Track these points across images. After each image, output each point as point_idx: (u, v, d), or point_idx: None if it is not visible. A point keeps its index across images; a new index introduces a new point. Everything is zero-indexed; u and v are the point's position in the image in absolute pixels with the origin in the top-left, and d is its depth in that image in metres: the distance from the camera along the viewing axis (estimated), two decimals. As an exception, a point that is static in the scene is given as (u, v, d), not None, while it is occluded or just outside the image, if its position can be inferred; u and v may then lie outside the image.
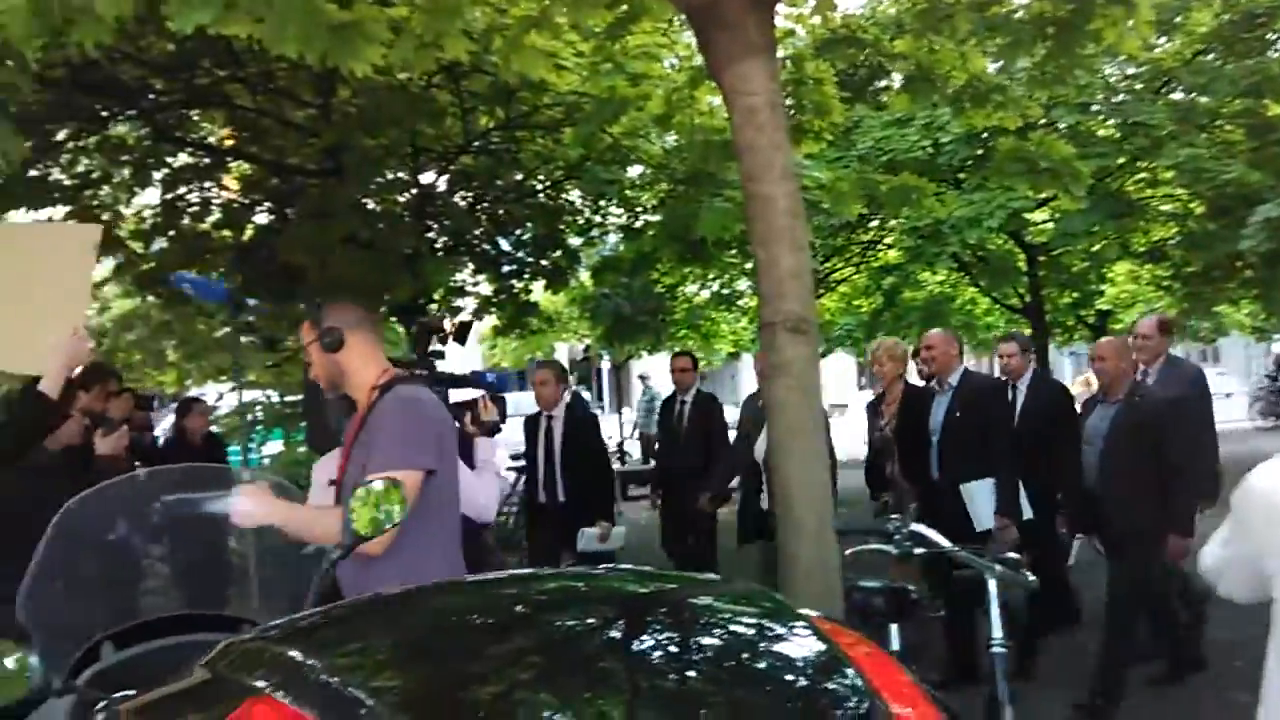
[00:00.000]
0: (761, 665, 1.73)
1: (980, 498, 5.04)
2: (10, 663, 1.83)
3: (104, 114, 7.44)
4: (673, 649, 1.70)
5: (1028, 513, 5.11)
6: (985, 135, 9.44)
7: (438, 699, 1.47)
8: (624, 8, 5.49)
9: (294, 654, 1.59)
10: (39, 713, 2.12)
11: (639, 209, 10.14)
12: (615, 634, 1.74)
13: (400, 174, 8.63)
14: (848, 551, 3.75)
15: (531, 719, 1.43)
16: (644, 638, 1.74)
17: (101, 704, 1.87)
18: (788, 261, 4.10)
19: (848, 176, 8.01)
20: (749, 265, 10.30)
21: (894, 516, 3.67)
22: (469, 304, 10.49)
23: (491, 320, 10.95)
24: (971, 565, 3.14)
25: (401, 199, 8.97)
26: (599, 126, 6.83)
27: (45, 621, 2.20)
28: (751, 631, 1.84)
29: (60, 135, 7.47)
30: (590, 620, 1.79)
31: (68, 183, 7.82)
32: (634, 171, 9.36)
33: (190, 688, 1.69)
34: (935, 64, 6.46)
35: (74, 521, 2.24)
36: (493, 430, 3.82)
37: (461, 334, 3.78)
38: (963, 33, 5.99)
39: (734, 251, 10.71)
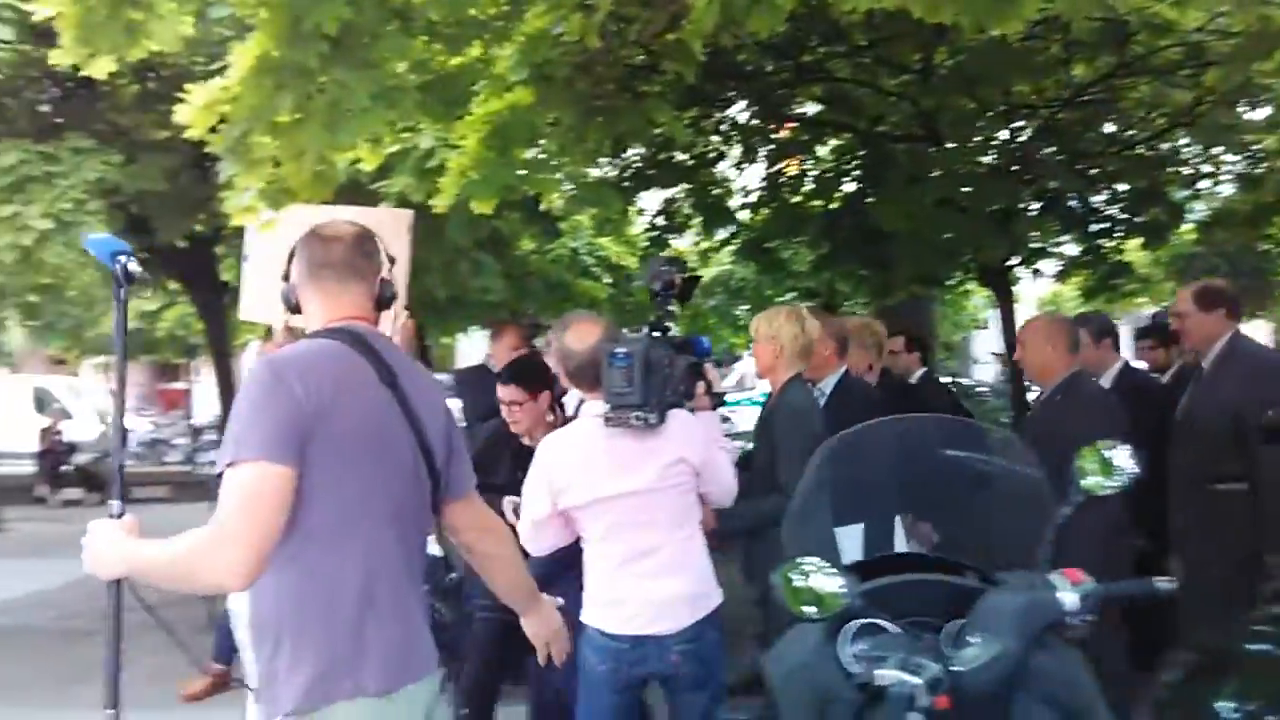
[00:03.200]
0: None
1: None
2: (828, 580, 2.10)
3: (724, 97, 8.21)
4: None
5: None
6: None
7: None
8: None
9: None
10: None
11: (1260, 155, 8.98)
12: None
13: (995, 133, 8.46)
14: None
15: None
16: None
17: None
18: None
19: None
20: None
21: None
22: (1050, 266, 10.11)
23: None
24: None
25: (987, 159, 8.83)
26: (1245, 64, 6.10)
27: (803, 548, 2.46)
28: None
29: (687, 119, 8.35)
30: None
31: (689, 163, 8.75)
32: (1260, 114, 8.30)
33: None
34: None
35: (835, 456, 2.50)
36: (719, 403, 3.39)
37: (686, 291, 3.31)
38: None
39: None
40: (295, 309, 2.23)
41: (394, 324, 3.83)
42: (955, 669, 2.07)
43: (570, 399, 3.80)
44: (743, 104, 8.71)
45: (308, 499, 1.93)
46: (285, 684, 1.93)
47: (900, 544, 4.22)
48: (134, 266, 2.21)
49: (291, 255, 2.23)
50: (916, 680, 2.02)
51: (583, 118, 5.38)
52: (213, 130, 4.38)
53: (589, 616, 2.98)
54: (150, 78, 7.28)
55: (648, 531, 2.92)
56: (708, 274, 16.32)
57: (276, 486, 1.88)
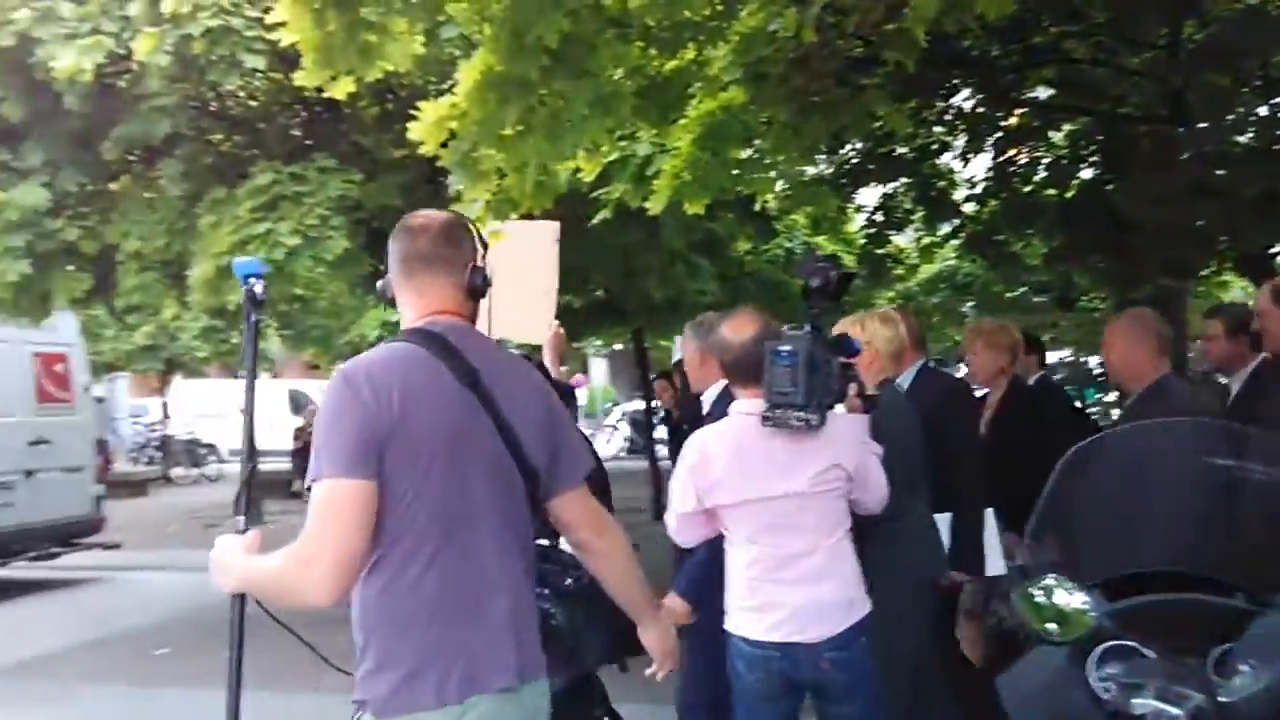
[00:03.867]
0: None
1: None
2: (1072, 597, 1.94)
3: (947, 86, 7.88)
4: None
5: None
6: None
7: None
8: None
9: None
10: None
11: None
12: None
13: (1254, 109, 7.72)
14: None
15: None
16: None
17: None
18: None
19: None
20: None
21: None
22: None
23: None
24: None
25: (1243, 138, 8.07)
26: None
27: (1044, 561, 2.28)
28: None
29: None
30: None
31: (910, 156, 8.48)
32: None
33: None
34: None
35: (1081, 466, 2.31)
36: (871, 406, 3.07)
37: (841, 288, 2.92)
38: None
39: None
40: (392, 303, 2.18)
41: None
42: (1223, 700, 1.87)
43: (707, 396, 3.74)
44: (967, 91, 8.34)
45: (388, 507, 1.89)
46: (372, 688, 1.92)
47: (996, 562, 3.93)
48: (259, 289, 2.27)
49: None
50: (1177, 711, 1.84)
51: (798, 114, 5.29)
52: (443, 145, 4.59)
53: (733, 624, 2.88)
54: (388, 99, 7.72)
55: (798, 536, 2.81)
56: (929, 270, 15.78)
57: (355, 501, 1.85)
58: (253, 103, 7.72)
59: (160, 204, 7.04)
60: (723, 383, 3.54)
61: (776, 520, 2.80)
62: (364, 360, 2.00)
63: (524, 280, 4.25)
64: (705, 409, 3.68)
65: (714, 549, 3.11)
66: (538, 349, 4.26)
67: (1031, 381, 5.04)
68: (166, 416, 21.21)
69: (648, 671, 2.44)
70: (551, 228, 4.58)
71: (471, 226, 2.21)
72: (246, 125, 7.74)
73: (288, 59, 5.96)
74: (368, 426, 1.88)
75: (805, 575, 2.79)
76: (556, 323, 4.18)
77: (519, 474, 2.04)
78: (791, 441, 2.77)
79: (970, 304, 16.84)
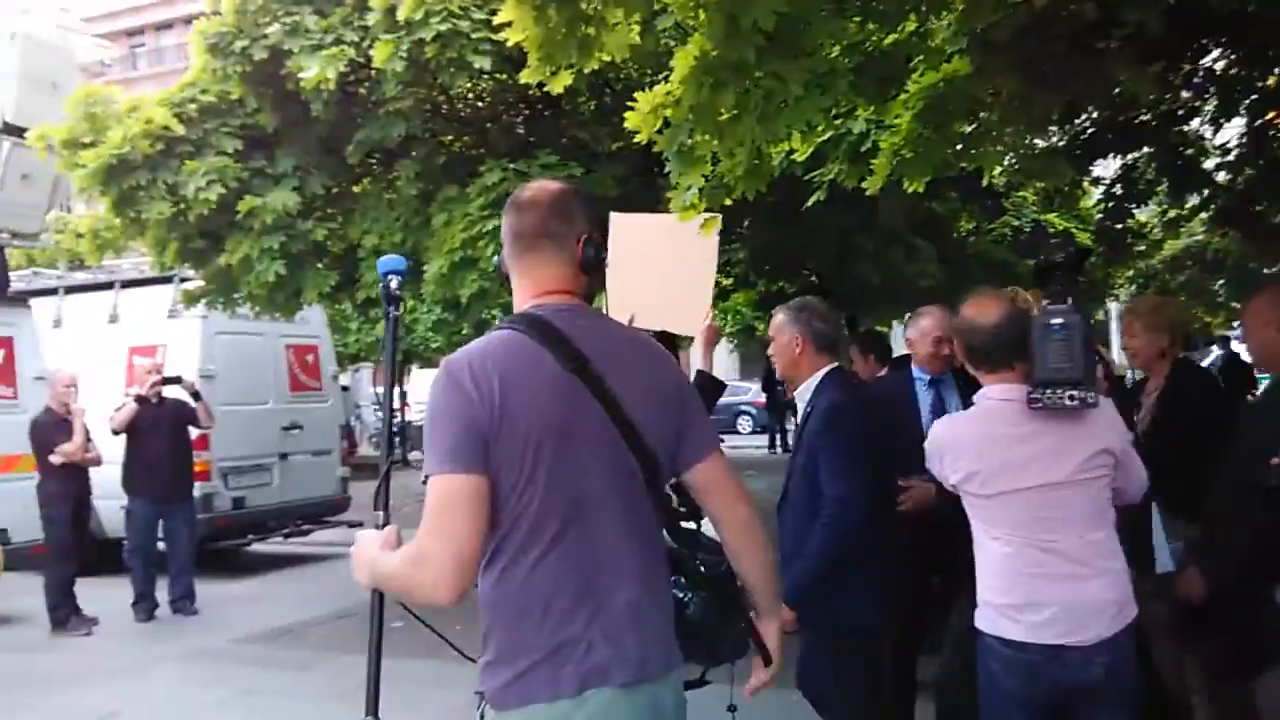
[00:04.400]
0: None
1: None
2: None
3: (1196, 46, 7.26)
4: None
5: None
6: None
7: None
8: None
9: None
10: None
11: None
12: None
13: None
14: None
15: None
16: None
17: None
18: None
19: None
20: None
21: None
22: None
23: None
24: None
25: None
26: None
27: None
28: None
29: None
30: None
31: (1154, 123, 7.86)
32: None
33: None
34: None
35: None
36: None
37: (1079, 265, 2.57)
38: None
39: None
40: (508, 281, 2.10)
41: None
42: None
43: (801, 391, 3.52)
44: (1218, 51, 7.64)
45: (499, 499, 1.84)
46: (490, 680, 1.88)
47: (1166, 559, 3.55)
48: (394, 285, 2.29)
49: None
50: None
51: (1029, 83, 4.99)
52: (658, 133, 4.62)
53: (988, 623, 2.69)
54: (605, 93, 7.89)
55: (1063, 528, 2.61)
56: (1174, 246, 14.65)
57: (466, 496, 1.80)
58: (480, 103, 8.07)
59: (397, 203, 7.47)
60: (820, 374, 3.43)
61: (1039, 512, 2.62)
62: (467, 351, 1.92)
63: (681, 273, 4.27)
64: (803, 402, 3.48)
65: (823, 549, 3.12)
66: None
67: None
68: (405, 404, 22.47)
69: (750, 684, 2.25)
70: (713, 221, 4.60)
71: (587, 198, 2.12)
72: (475, 125, 8.10)
73: (511, 59, 6.18)
74: (471, 419, 1.82)
75: (1073, 571, 2.59)
76: (710, 316, 4.14)
77: (635, 459, 1.94)
78: (1056, 425, 2.61)
79: (1221, 282, 15.51)
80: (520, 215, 2.06)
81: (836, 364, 3.51)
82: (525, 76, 4.49)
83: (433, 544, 1.79)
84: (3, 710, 5.72)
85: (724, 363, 24.11)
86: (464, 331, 8.29)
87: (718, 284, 9.82)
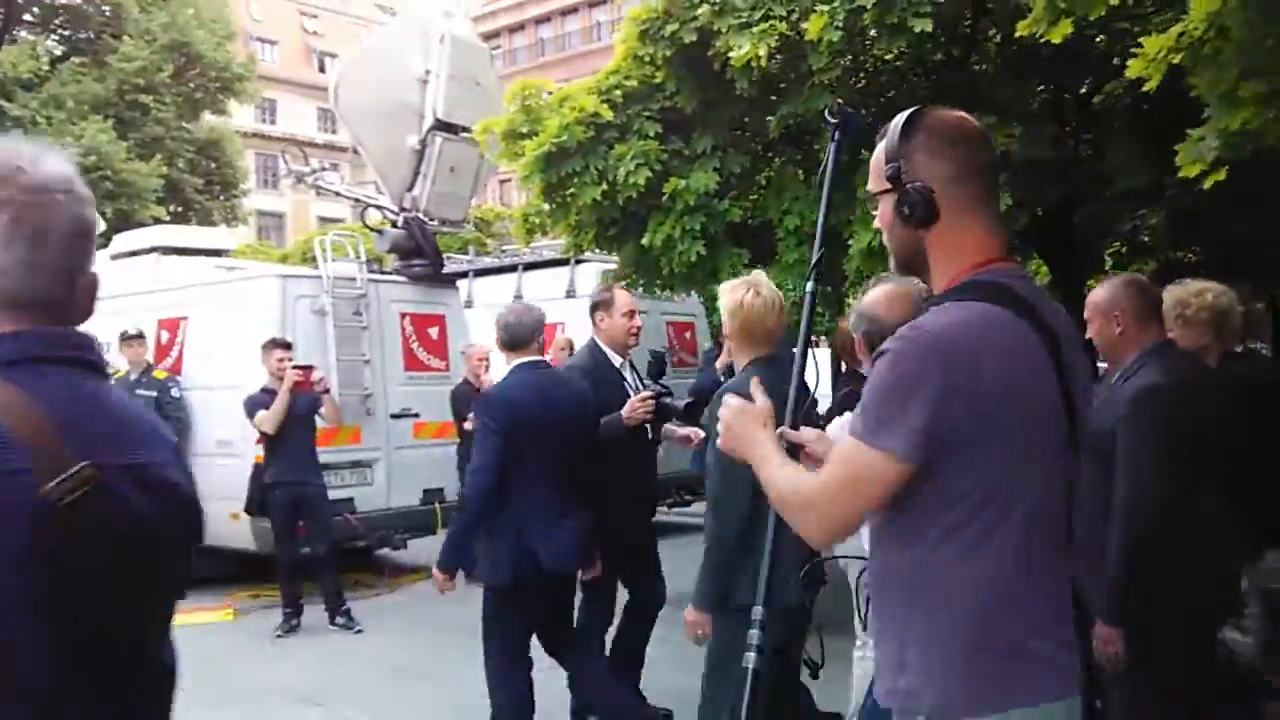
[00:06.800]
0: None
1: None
2: None
3: None
4: None
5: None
6: None
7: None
8: None
9: None
10: None
11: None
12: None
13: None
14: None
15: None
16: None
17: None
18: None
19: None
20: None
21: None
22: None
23: None
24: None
25: None
26: None
27: None
28: None
29: None
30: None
31: None
32: None
33: None
34: None
35: None
36: None
37: None
38: None
39: None
40: (924, 223, 1.81)
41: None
42: None
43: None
44: None
45: (946, 498, 1.69)
46: (913, 684, 1.74)
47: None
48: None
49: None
50: None
51: None
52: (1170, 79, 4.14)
53: None
54: (1009, 52, 7.33)
55: None
56: None
57: (885, 481, 1.69)
58: (894, 70, 7.75)
59: (815, 181, 7.31)
60: None
61: None
62: (949, 326, 1.68)
63: None
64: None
65: None
66: None
67: None
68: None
69: None
70: None
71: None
72: (888, 96, 7.80)
73: (944, 22, 5.83)
74: (942, 411, 1.63)
75: None
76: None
77: (1074, 456, 1.78)
78: None
79: None
80: (975, 150, 1.81)
81: None
82: (1022, 29, 4.19)
83: (830, 502, 1.74)
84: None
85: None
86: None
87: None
